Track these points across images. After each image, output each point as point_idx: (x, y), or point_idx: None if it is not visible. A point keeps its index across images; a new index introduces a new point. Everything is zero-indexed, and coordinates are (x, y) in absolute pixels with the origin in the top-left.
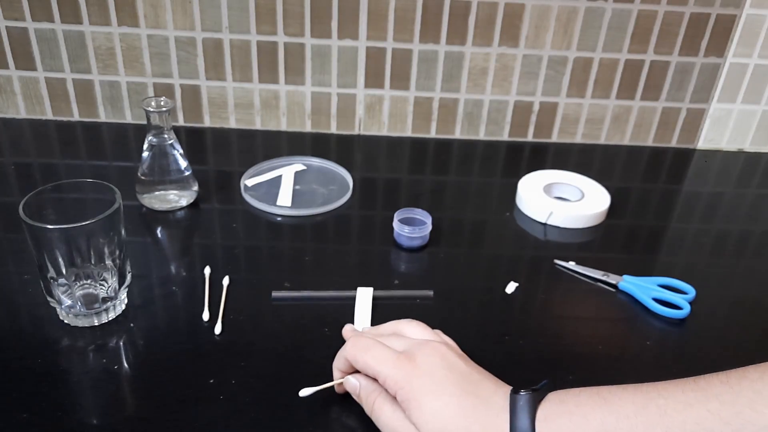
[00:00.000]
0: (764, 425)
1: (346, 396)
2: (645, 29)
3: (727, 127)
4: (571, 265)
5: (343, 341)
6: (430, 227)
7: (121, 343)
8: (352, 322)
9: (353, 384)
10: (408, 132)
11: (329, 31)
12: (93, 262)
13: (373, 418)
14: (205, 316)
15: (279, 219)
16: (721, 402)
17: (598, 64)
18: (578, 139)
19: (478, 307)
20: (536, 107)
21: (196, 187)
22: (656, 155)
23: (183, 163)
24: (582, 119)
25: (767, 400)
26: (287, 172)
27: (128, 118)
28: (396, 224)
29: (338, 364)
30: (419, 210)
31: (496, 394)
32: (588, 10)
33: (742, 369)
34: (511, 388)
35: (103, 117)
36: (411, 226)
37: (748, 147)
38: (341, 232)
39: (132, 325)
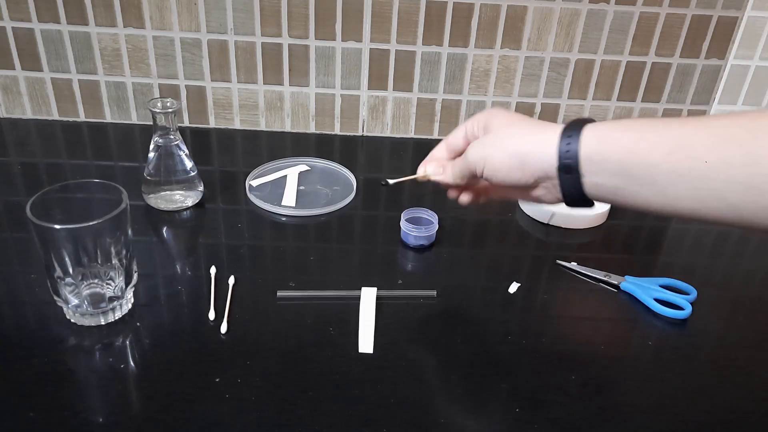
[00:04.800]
0: None
1: (350, 394)
2: (646, 31)
3: None
4: (573, 265)
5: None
6: (436, 227)
7: (128, 342)
8: (357, 322)
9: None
10: (411, 133)
11: (333, 33)
12: (100, 262)
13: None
14: (211, 315)
15: (284, 219)
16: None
17: (599, 66)
18: None
19: (481, 307)
20: (538, 108)
21: (201, 188)
22: None
23: (188, 164)
24: None
25: None
26: (292, 172)
27: (134, 119)
28: (403, 224)
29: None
30: (425, 210)
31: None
32: (590, 12)
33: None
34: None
35: (108, 118)
36: (418, 226)
37: None
38: (345, 232)
39: (138, 324)
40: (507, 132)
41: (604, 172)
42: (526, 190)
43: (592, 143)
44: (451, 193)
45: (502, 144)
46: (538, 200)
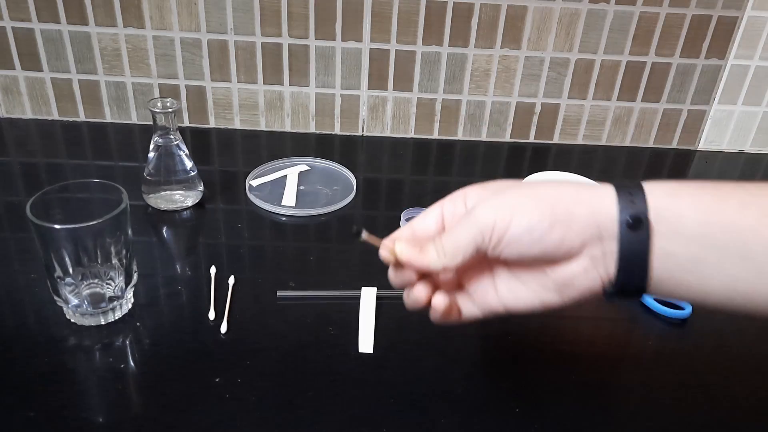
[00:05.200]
0: None
1: (350, 394)
2: (646, 31)
3: (728, 128)
4: None
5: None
6: None
7: (128, 342)
8: (357, 322)
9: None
10: (411, 133)
11: (333, 33)
12: (100, 262)
13: (449, 241)
14: (211, 315)
15: (284, 219)
16: None
17: (599, 66)
18: (579, 140)
19: None
20: (538, 109)
21: (201, 188)
22: (657, 156)
23: (188, 164)
24: (583, 120)
25: None
26: (291, 172)
27: (134, 119)
28: (403, 224)
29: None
30: (425, 210)
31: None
32: (590, 12)
33: None
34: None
35: (108, 117)
36: None
37: (749, 148)
38: (345, 232)
39: (138, 324)
40: (532, 185)
41: (679, 235)
42: (556, 266)
43: (661, 196)
44: (419, 292)
45: (534, 194)
46: (566, 287)
